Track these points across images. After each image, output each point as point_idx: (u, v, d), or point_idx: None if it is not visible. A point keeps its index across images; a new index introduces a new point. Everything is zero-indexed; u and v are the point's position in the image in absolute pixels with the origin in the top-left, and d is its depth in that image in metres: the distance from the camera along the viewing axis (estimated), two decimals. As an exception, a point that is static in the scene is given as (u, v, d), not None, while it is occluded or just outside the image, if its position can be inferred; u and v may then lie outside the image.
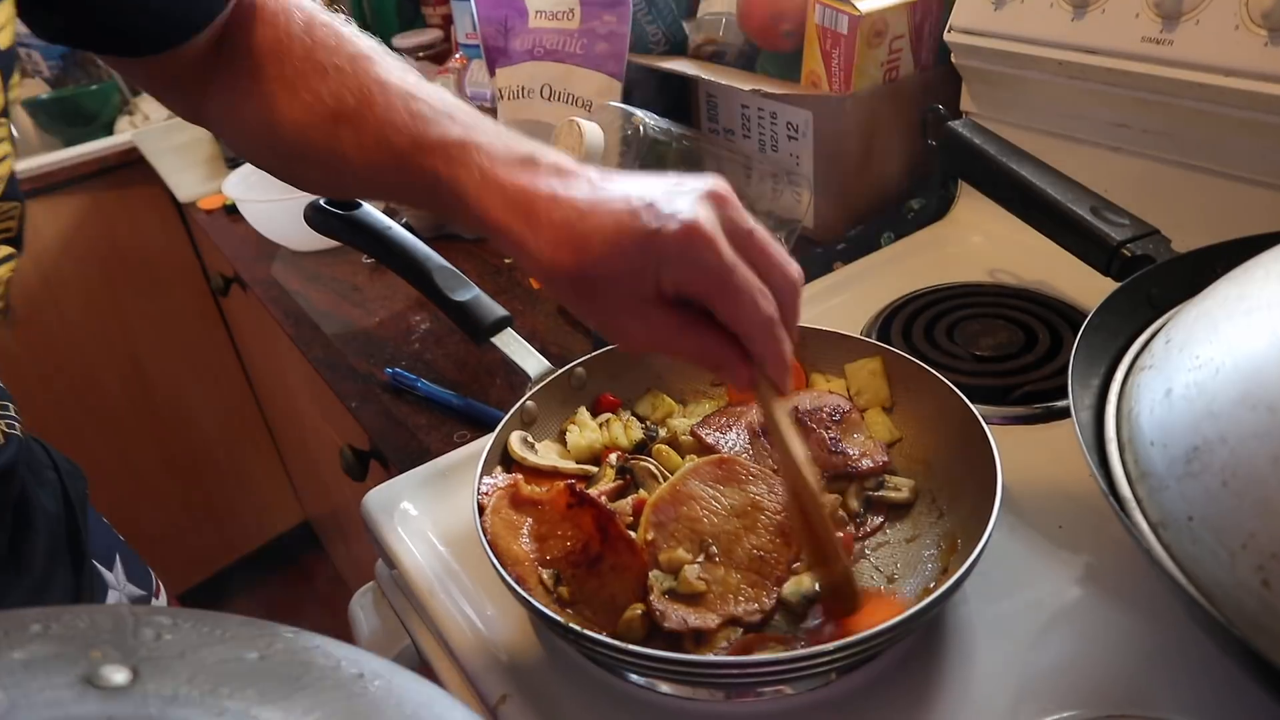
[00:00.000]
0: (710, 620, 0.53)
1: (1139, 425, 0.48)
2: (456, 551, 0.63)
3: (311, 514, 2.18)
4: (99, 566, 0.76)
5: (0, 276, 0.54)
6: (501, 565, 0.53)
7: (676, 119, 1.03)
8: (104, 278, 1.79)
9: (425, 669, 0.61)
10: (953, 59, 0.91)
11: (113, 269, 1.79)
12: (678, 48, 1.09)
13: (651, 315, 0.45)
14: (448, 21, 1.62)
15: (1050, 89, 0.84)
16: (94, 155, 1.71)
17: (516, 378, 0.69)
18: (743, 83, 0.96)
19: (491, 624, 0.57)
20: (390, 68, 0.53)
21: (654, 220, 0.43)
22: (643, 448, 0.65)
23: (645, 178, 0.47)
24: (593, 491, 0.59)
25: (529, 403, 0.66)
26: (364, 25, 1.77)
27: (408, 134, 0.50)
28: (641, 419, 0.69)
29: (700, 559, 0.56)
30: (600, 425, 0.67)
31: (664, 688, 0.52)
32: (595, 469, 0.64)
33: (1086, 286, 0.69)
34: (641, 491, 0.60)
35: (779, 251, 0.47)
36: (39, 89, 1.92)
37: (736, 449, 0.62)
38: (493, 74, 1.16)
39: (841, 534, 0.58)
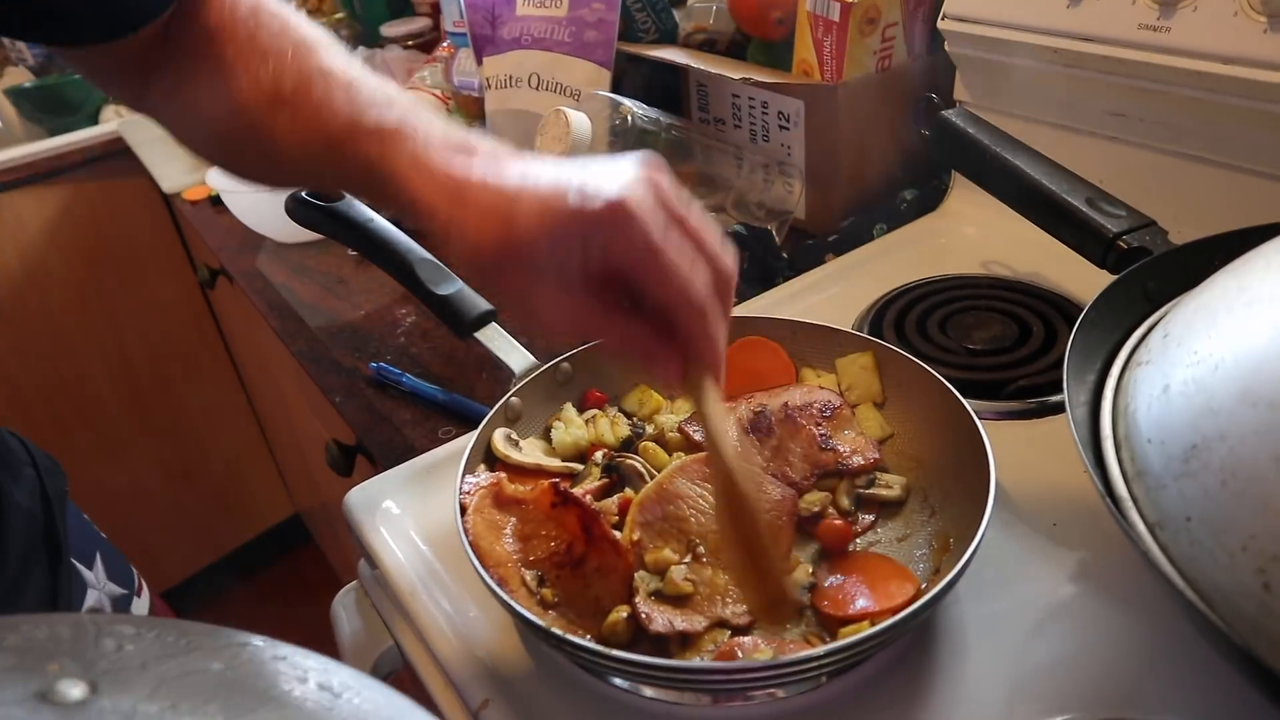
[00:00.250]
0: (697, 623, 0.52)
1: (1136, 422, 0.46)
2: (439, 552, 0.61)
3: (302, 507, 2.16)
4: (78, 565, 0.75)
5: None
6: (483, 566, 0.52)
7: (667, 109, 1.01)
8: (90, 269, 1.77)
9: (408, 671, 0.60)
10: (946, 47, 0.89)
11: (99, 261, 1.77)
12: (668, 36, 1.08)
13: (578, 299, 0.45)
14: (436, 10, 1.60)
15: (1045, 77, 0.82)
16: (79, 145, 1.68)
17: (503, 373, 0.68)
18: (733, 71, 0.94)
19: (474, 626, 0.56)
20: (334, 56, 0.53)
21: (581, 199, 0.43)
22: (629, 445, 0.64)
23: (583, 162, 0.46)
24: (578, 490, 0.58)
25: (513, 399, 0.65)
26: (353, 14, 1.76)
27: (344, 119, 0.49)
28: (629, 415, 0.67)
29: (687, 559, 0.55)
30: (586, 422, 0.65)
31: (649, 692, 0.51)
32: (581, 467, 0.62)
33: (1082, 279, 0.68)
34: (628, 490, 0.59)
35: (714, 237, 0.46)
36: (22, 77, 1.89)
37: (725, 446, 0.61)
38: (480, 63, 1.14)
39: (840, 523, 0.57)
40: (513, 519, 0.56)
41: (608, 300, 0.45)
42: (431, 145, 0.48)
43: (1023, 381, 0.68)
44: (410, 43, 1.58)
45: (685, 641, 0.51)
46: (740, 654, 0.50)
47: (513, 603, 0.49)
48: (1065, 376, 0.50)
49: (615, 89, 1.02)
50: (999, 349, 0.73)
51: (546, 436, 0.65)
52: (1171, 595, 0.41)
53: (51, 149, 1.66)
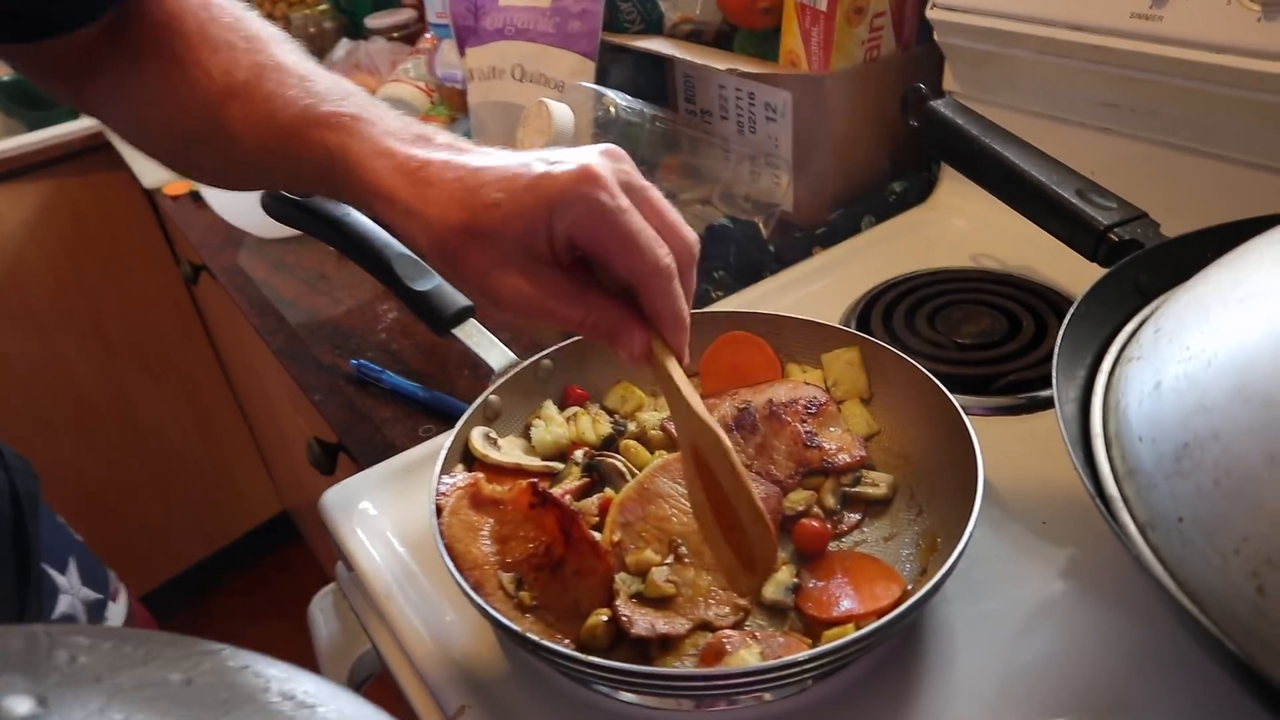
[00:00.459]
0: (680, 625, 0.51)
1: (1126, 419, 0.45)
2: (417, 554, 0.60)
3: (290, 504, 2.15)
4: (49, 570, 0.73)
5: None
6: (459, 570, 0.50)
7: (652, 101, 1.00)
8: (72, 266, 1.74)
9: (386, 674, 0.59)
10: (935, 37, 0.88)
11: (81, 257, 1.75)
12: (653, 26, 1.06)
13: (542, 274, 0.45)
14: (421, 1, 1.58)
15: (1035, 67, 0.81)
16: (59, 140, 1.66)
17: (484, 369, 0.67)
18: (719, 62, 0.93)
19: (451, 630, 0.55)
20: (287, 50, 0.52)
21: (545, 176, 0.43)
22: (611, 443, 0.62)
23: (543, 152, 0.46)
24: (557, 490, 0.57)
25: (492, 397, 0.63)
26: (337, 6, 1.74)
27: (299, 110, 0.49)
28: (611, 412, 0.66)
29: (669, 560, 0.54)
30: (567, 419, 0.64)
31: (630, 697, 0.50)
32: (561, 466, 0.61)
33: (1072, 272, 0.66)
34: (608, 490, 0.58)
35: (674, 213, 0.47)
36: (-1, 71, 1.87)
37: (708, 444, 0.60)
38: (463, 54, 1.12)
39: (818, 524, 0.56)
40: (490, 520, 0.54)
41: (571, 278, 0.46)
42: (390, 134, 0.47)
43: (1012, 376, 0.67)
44: (395, 35, 1.56)
45: (665, 644, 0.50)
46: (728, 646, 0.49)
47: (489, 608, 0.48)
48: (1055, 372, 0.49)
49: (600, 80, 1.00)
50: (988, 343, 0.72)
51: (527, 435, 0.64)
52: (1162, 597, 0.40)
53: (30, 144, 1.63)
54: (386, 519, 0.63)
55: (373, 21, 1.58)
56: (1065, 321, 0.52)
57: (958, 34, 0.86)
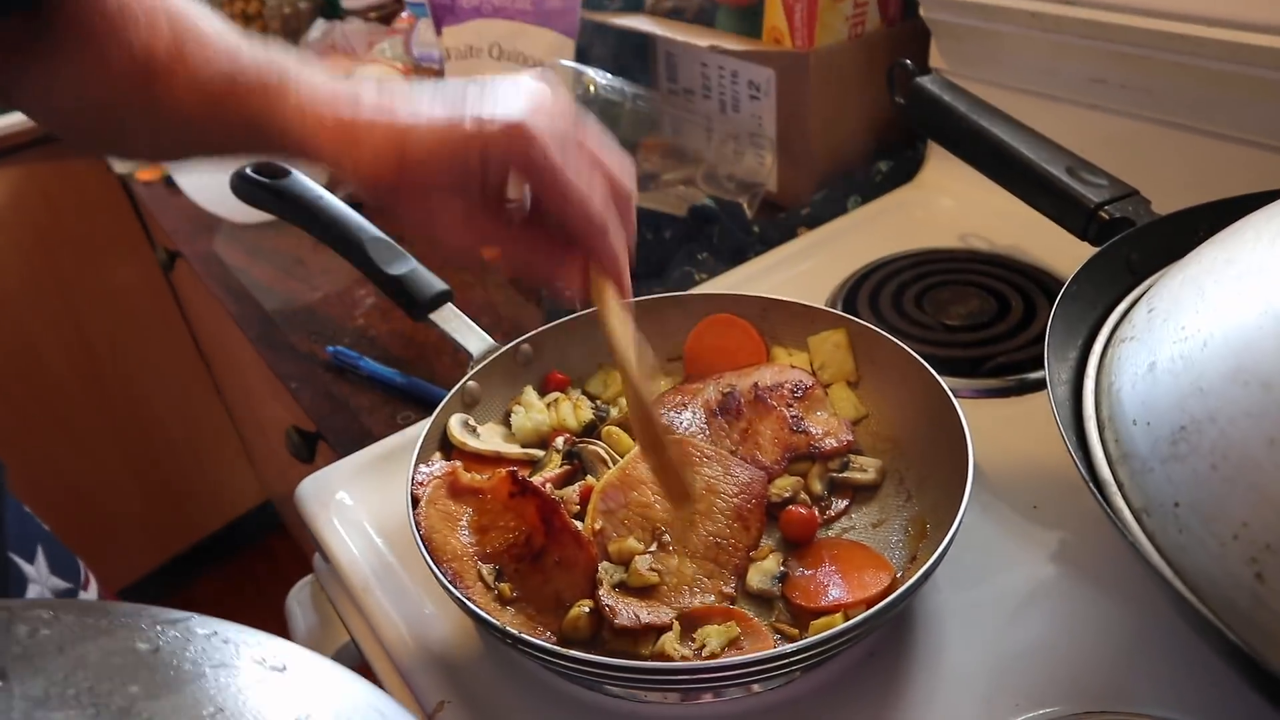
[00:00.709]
0: (664, 615, 0.49)
1: (1120, 402, 0.44)
2: (394, 545, 0.58)
3: (272, 493, 2.12)
4: (17, 560, 0.72)
5: None
6: (437, 561, 0.49)
7: (634, 79, 0.98)
8: (45, 253, 1.71)
9: (365, 669, 0.57)
10: (921, 12, 0.86)
11: (54, 244, 1.71)
12: (634, 3, 1.04)
13: (479, 217, 0.46)
14: (398, -20, 1.55)
15: (1024, 43, 0.80)
16: (28, 124, 1.62)
17: (464, 354, 0.65)
18: (701, 39, 0.91)
19: (430, 624, 0.53)
20: (210, 21, 0.52)
21: (478, 125, 0.44)
22: (592, 429, 0.61)
23: (478, 83, 0.47)
24: (537, 479, 0.55)
25: (471, 383, 0.62)
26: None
27: (225, 78, 0.49)
28: (592, 398, 0.64)
29: (653, 548, 0.52)
30: (548, 405, 0.62)
31: (614, 690, 0.49)
32: (542, 453, 0.60)
33: (1063, 251, 0.65)
34: (589, 478, 0.56)
35: (611, 153, 0.48)
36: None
37: (691, 430, 0.58)
38: (439, 33, 1.10)
39: (805, 511, 0.55)
40: (469, 510, 0.53)
41: (508, 219, 0.47)
42: (318, 93, 0.48)
43: (1001, 358, 0.66)
44: (371, 15, 1.53)
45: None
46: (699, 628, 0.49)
47: (467, 600, 0.46)
48: (1046, 353, 0.48)
49: (580, 59, 0.98)
50: (977, 324, 0.71)
51: (506, 422, 0.62)
52: (1158, 584, 0.39)
53: (-1, 128, 1.60)
54: (364, 509, 0.61)
55: (348, 2, 1.54)
56: (1056, 301, 0.50)
57: (944, 8, 0.84)
